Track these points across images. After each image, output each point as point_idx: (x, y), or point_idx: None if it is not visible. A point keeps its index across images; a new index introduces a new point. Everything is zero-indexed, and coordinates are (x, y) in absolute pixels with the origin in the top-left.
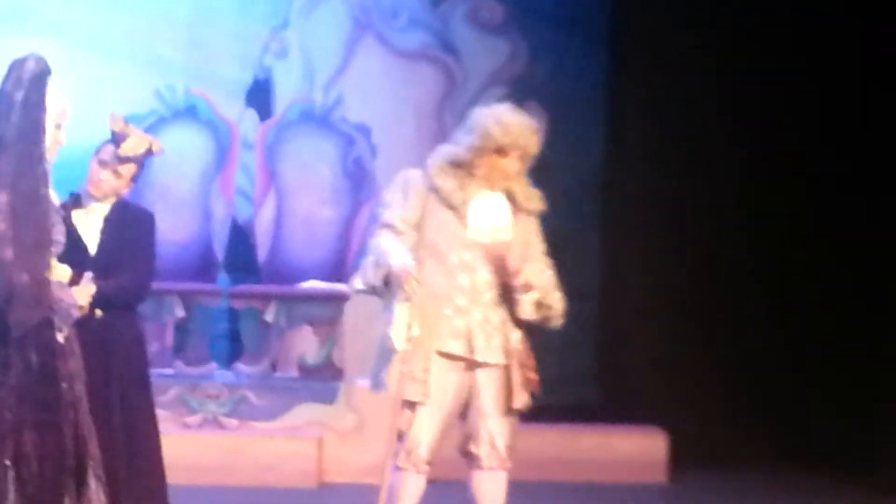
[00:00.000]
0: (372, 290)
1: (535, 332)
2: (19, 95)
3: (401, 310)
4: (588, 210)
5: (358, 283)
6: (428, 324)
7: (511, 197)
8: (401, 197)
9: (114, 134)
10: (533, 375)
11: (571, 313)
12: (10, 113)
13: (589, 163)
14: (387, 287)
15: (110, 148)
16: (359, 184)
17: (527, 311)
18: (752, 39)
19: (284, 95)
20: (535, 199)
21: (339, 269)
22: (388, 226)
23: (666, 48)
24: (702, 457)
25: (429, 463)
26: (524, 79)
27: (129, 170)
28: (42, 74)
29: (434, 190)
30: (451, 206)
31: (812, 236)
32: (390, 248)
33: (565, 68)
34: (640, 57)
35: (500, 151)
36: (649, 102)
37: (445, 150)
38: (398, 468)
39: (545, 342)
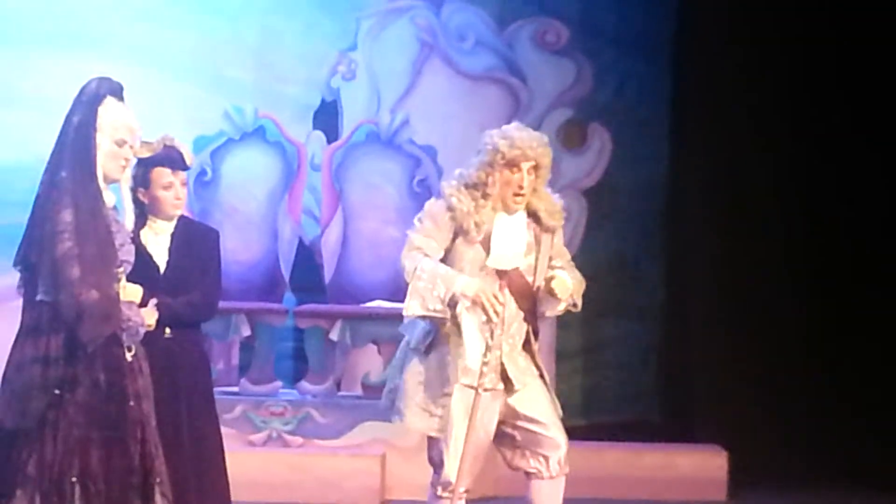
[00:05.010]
0: (433, 315)
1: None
2: (75, 118)
3: (475, 330)
4: (651, 231)
5: (418, 308)
6: (450, 359)
7: (534, 215)
8: (433, 228)
9: (176, 151)
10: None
11: (634, 333)
12: (67, 134)
13: (652, 184)
14: (449, 308)
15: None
16: (424, 205)
17: (557, 312)
18: (816, 60)
19: (352, 117)
20: (556, 214)
21: (403, 288)
22: (424, 253)
23: (728, 69)
24: (762, 476)
25: (467, 491)
26: (588, 101)
27: None
28: (97, 95)
29: (454, 219)
30: (464, 231)
31: (876, 257)
32: (447, 270)
33: (629, 90)
34: (703, 79)
35: (511, 165)
36: (712, 124)
37: (457, 174)
38: (437, 498)
39: (608, 361)
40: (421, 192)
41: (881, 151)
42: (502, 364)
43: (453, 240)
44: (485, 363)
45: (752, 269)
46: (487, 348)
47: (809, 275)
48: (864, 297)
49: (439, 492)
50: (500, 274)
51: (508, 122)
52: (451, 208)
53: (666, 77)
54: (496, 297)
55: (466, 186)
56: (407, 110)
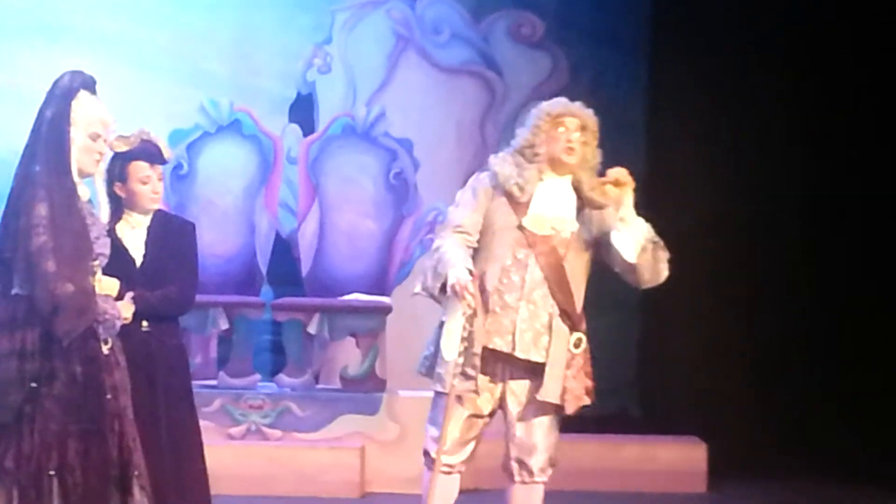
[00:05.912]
0: (430, 295)
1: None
2: (48, 111)
3: (454, 321)
4: None
5: (417, 287)
6: (479, 322)
7: (577, 188)
8: (470, 197)
9: (154, 145)
10: (589, 382)
11: (613, 326)
12: (41, 128)
13: None
14: (443, 293)
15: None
16: (401, 197)
17: (629, 252)
18: (795, 52)
19: (328, 110)
20: (599, 192)
21: (381, 281)
22: (455, 226)
23: (704, 62)
24: (741, 467)
25: (452, 465)
26: (564, 93)
27: None
28: (71, 88)
29: (497, 186)
30: (508, 194)
31: (855, 248)
32: (451, 256)
33: (605, 83)
34: (679, 71)
35: (556, 121)
36: (688, 116)
37: (506, 147)
38: (429, 469)
39: None
40: (397, 184)
41: (867, 145)
42: (516, 325)
43: (490, 206)
44: (460, 353)
45: (730, 262)
46: (462, 340)
47: (788, 268)
48: (841, 291)
49: (428, 462)
50: (530, 238)
51: (484, 115)
52: (493, 176)
53: (642, 70)
54: (466, 289)
55: (514, 154)
56: (383, 103)
